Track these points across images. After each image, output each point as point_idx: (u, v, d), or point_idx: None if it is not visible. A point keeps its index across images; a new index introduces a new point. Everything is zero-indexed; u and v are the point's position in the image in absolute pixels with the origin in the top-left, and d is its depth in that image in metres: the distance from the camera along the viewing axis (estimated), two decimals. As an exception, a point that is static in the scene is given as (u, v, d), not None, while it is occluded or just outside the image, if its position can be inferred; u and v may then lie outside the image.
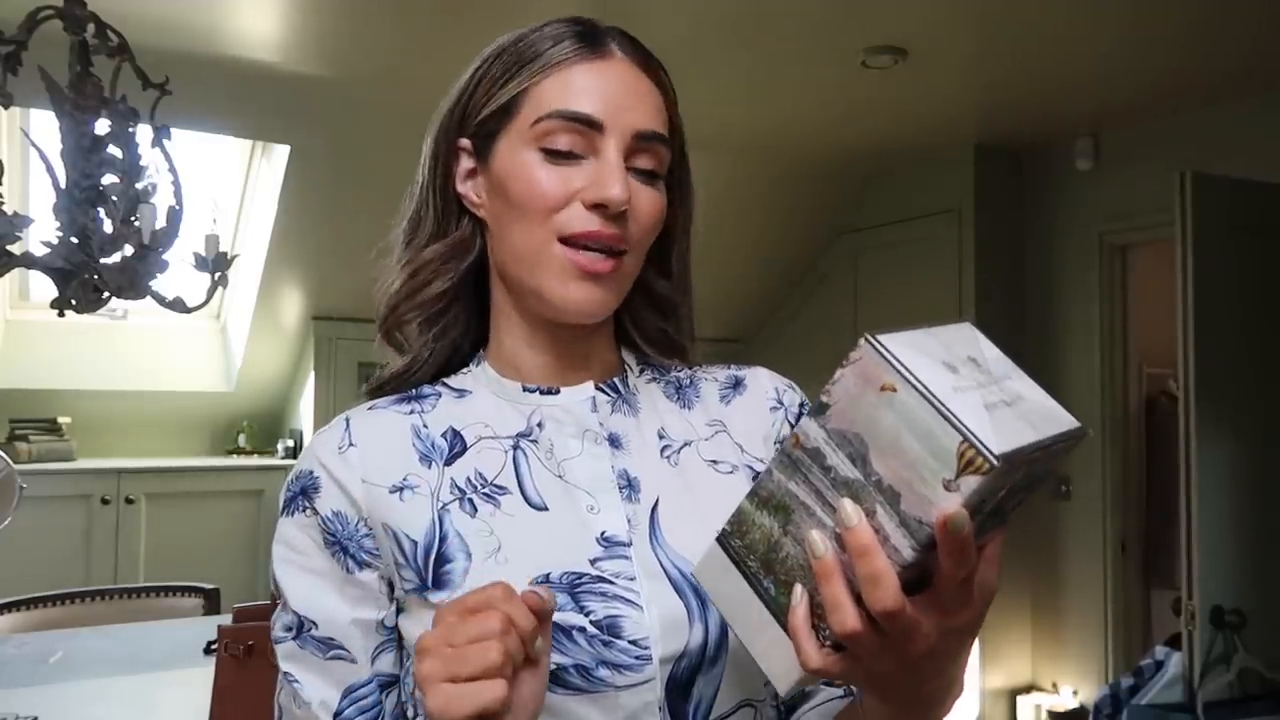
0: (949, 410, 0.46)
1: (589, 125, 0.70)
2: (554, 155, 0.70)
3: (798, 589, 0.54)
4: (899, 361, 0.48)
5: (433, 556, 0.69)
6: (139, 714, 1.81)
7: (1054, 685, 3.90)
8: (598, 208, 0.70)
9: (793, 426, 0.81)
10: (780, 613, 0.55)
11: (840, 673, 0.54)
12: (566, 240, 0.70)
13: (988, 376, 0.51)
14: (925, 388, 0.47)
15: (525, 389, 0.77)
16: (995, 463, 0.45)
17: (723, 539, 0.57)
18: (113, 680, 1.94)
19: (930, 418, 0.47)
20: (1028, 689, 3.94)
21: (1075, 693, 3.81)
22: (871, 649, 0.51)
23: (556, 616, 0.66)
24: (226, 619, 1.99)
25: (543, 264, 0.71)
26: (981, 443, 0.45)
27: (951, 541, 0.47)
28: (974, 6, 2.67)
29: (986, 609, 0.54)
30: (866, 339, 0.50)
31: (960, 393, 0.48)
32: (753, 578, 0.56)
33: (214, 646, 1.70)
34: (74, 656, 2.08)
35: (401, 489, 0.71)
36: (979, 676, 3.83)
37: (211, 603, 2.58)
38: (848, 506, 0.50)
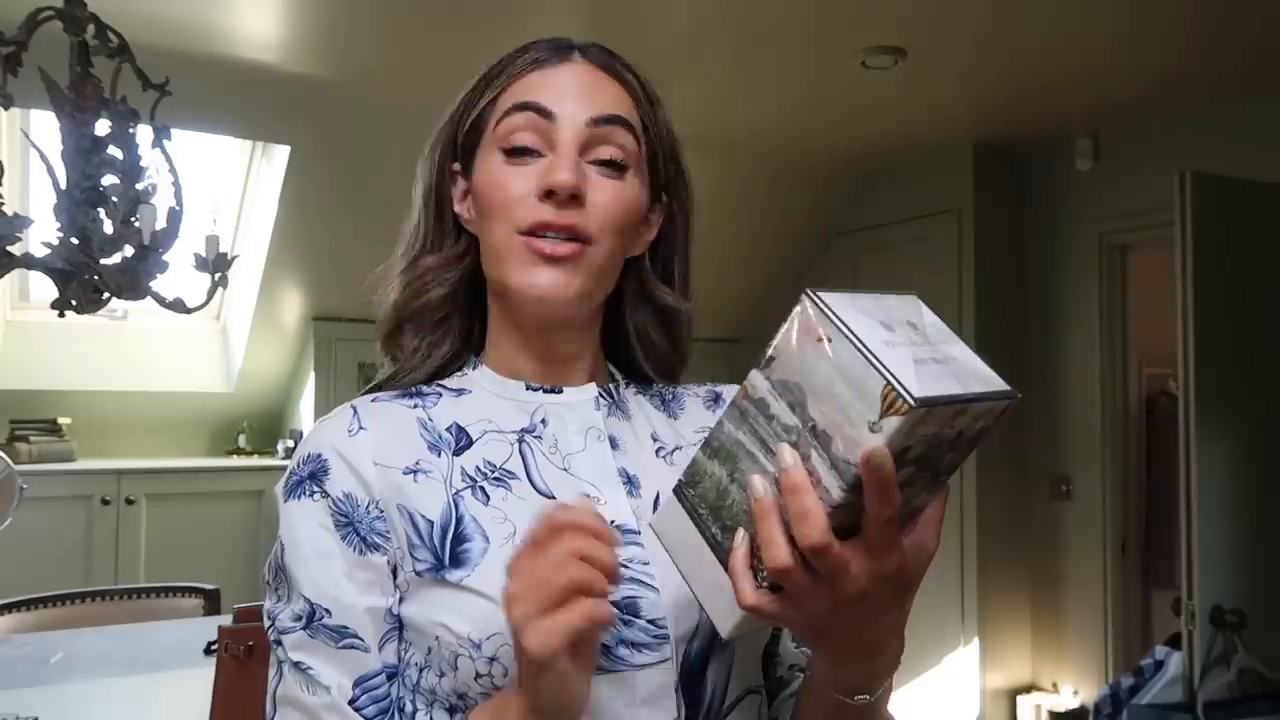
0: (875, 357, 0.50)
1: (539, 113, 0.73)
2: (513, 154, 0.74)
3: (739, 533, 0.56)
4: (834, 314, 0.52)
5: (450, 536, 0.69)
6: (139, 714, 1.81)
7: (1054, 685, 3.90)
8: (548, 195, 0.72)
9: None
10: (725, 557, 0.57)
11: (775, 612, 0.56)
12: (525, 232, 0.72)
13: (923, 339, 0.55)
14: (856, 337, 0.51)
15: (529, 387, 0.78)
16: (913, 404, 0.48)
17: (678, 489, 0.60)
18: (113, 681, 1.94)
19: (859, 364, 0.50)
20: (1028, 689, 3.93)
21: (1075, 693, 3.81)
22: (803, 587, 0.54)
23: None
24: (227, 619, 1.99)
25: (508, 257, 0.73)
26: (903, 385, 0.49)
27: (874, 477, 0.50)
28: (973, 7, 2.67)
29: (923, 567, 0.57)
30: (807, 294, 0.54)
31: (891, 346, 0.52)
32: (703, 525, 0.58)
33: (214, 647, 1.70)
34: (74, 657, 2.08)
35: (415, 472, 0.72)
36: (979, 676, 3.83)
37: (212, 603, 2.58)
38: (785, 450, 0.53)
